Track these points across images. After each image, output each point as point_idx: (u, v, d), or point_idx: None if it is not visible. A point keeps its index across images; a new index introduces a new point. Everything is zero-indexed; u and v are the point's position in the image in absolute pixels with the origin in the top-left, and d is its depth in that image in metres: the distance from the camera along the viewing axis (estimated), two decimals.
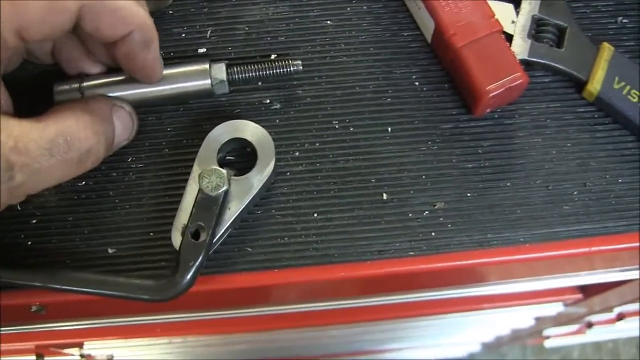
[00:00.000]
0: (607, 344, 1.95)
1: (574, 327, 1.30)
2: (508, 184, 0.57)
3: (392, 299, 0.74)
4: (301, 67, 0.56)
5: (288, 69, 0.56)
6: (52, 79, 0.55)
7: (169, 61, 0.56)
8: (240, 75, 0.56)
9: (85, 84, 0.54)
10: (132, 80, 0.54)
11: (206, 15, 0.59)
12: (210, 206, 0.52)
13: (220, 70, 0.55)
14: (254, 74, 0.56)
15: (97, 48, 0.54)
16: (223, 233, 0.53)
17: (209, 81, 0.55)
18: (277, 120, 0.58)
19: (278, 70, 0.56)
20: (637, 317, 1.14)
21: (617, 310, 1.08)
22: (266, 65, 0.56)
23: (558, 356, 1.96)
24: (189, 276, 0.51)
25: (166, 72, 0.55)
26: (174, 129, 0.57)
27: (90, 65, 0.55)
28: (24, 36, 0.46)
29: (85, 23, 0.48)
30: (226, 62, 0.56)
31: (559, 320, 1.17)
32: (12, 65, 0.52)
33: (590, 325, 1.23)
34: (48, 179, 0.47)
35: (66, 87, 0.54)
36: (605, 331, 1.28)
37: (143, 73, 0.53)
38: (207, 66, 0.55)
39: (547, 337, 1.45)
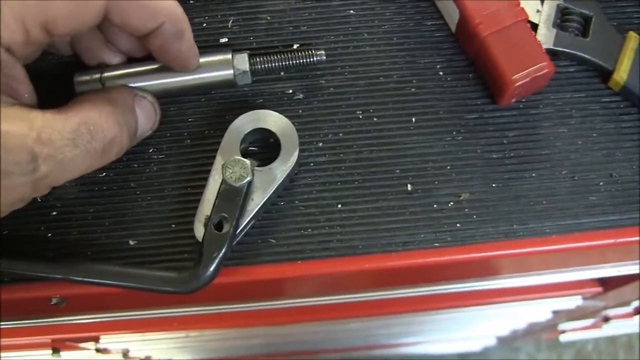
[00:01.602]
0: (622, 338, 1.95)
1: (590, 321, 1.29)
2: (533, 174, 0.56)
3: (413, 292, 0.74)
4: (324, 57, 0.56)
5: (311, 59, 0.55)
6: (72, 69, 0.55)
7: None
8: (263, 66, 0.55)
9: (106, 74, 0.54)
10: (153, 70, 0.54)
11: (228, 4, 0.59)
12: (233, 197, 0.51)
13: (243, 61, 0.55)
14: (277, 64, 0.55)
15: (117, 38, 0.53)
16: (246, 224, 0.53)
17: (231, 71, 0.55)
18: (300, 111, 0.57)
19: (301, 61, 0.56)
20: None
21: (634, 304, 1.07)
22: (289, 55, 0.56)
23: (572, 349, 1.95)
24: (212, 268, 0.51)
25: None
26: (195, 120, 0.57)
27: (111, 55, 0.54)
28: (50, 31, 0.45)
29: (114, 17, 0.47)
30: (248, 52, 0.56)
31: (576, 314, 1.16)
32: (33, 57, 0.52)
33: (607, 319, 1.22)
34: (72, 169, 0.47)
35: (87, 77, 0.54)
36: (622, 325, 1.27)
37: (178, 63, 0.53)
38: (229, 56, 0.55)
39: (563, 332, 1.44)
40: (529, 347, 1.95)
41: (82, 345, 0.95)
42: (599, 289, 0.89)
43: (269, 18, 0.59)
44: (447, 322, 1.16)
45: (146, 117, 0.53)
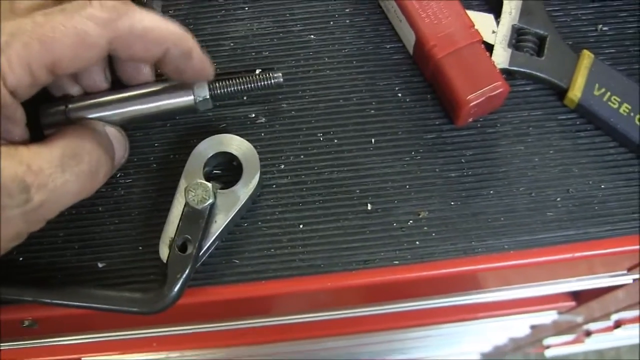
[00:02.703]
0: (610, 352, 1.95)
1: (572, 336, 1.30)
2: (491, 192, 0.57)
3: (382, 309, 0.75)
4: (282, 80, 0.57)
5: (269, 82, 0.57)
6: (36, 100, 0.56)
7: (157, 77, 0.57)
8: (223, 90, 0.56)
9: (71, 105, 0.55)
10: (116, 100, 0.55)
11: (192, 31, 0.59)
12: (196, 219, 0.53)
13: (202, 89, 0.56)
14: (236, 87, 0.57)
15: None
16: (210, 245, 0.54)
17: (192, 97, 0.56)
18: (263, 134, 0.58)
19: (259, 84, 0.57)
20: (637, 325, 1.14)
21: (614, 317, 1.08)
22: (247, 79, 0.57)
23: None
24: (176, 288, 0.52)
25: (150, 89, 0.55)
26: (161, 145, 0.58)
27: (72, 86, 0.55)
28: (55, 72, 0.47)
29: (119, 52, 0.49)
30: (208, 83, 0.57)
31: (557, 329, 1.17)
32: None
33: (588, 333, 1.23)
34: (65, 196, 0.48)
35: (52, 109, 0.55)
36: (605, 339, 1.28)
37: (196, 78, 0.55)
38: (190, 88, 0.56)
39: (547, 347, 1.45)
40: None
41: None
42: (573, 303, 0.90)
43: (232, 44, 0.61)
44: (424, 339, 1.17)
45: (119, 145, 0.54)
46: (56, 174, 0.46)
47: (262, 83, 0.57)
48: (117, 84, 0.56)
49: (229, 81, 0.57)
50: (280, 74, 0.57)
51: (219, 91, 0.56)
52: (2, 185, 0.43)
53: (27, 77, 0.45)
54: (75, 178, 0.48)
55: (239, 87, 0.57)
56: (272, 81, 0.57)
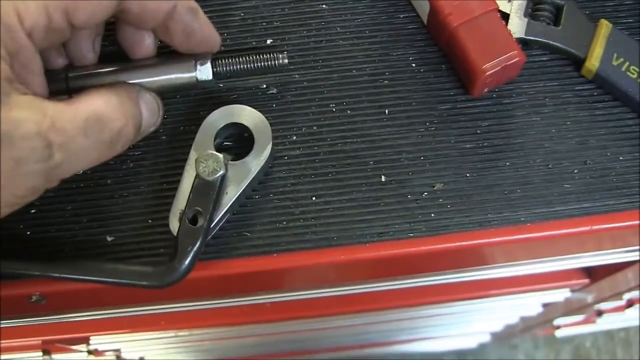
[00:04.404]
0: (619, 333, 1.95)
1: (583, 316, 1.29)
2: (507, 163, 0.56)
3: (396, 284, 0.74)
4: (287, 61, 0.56)
5: (274, 62, 0.56)
6: None
7: (163, 49, 0.56)
8: (226, 68, 0.55)
9: (71, 74, 0.54)
10: (117, 71, 0.54)
11: (201, 2, 0.59)
12: (207, 191, 0.52)
13: (206, 66, 0.54)
14: (239, 66, 0.55)
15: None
16: (221, 218, 0.53)
17: (194, 74, 0.54)
18: (274, 105, 0.57)
19: (264, 64, 0.56)
20: None
21: (626, 297, 1.08)
22: (252, 57, 0.55)
23: (570, 347, 1.95)
24: (187, 262, 0.51)
25: (152, 62, 0.54)
26: (171, 116, 0.57)
27: (57, 57, 0.54)
28: (70, 17, 0.46)
29: (132, 4, 0.48)
30: (211, 60, 0.55)
31: (568, 308, 1.17)
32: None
33: (600, 313, 1.23)
34: (83, 160, 0.47)
35: (52, 77, 0.53)
36: (616, 319, 1.28)
37: (205, 44, 0.53)
38: (191, 64, 0.54)
39: (558, 327, 1.44)
40: (526, 345, 1.95)
41: (73, 347, 0.95)
42: (586, 281, 0.89)
43: (242, 14, 0.59)
44: (436, 318, 1.16)
45: (150, 112, 0.53)
46: (78, 136, 0.45)
47: (267, 63, 0.56)
48: (114, 57, 0.55)
49: (232, 59, 0.55)
50: (286, 54, 0.56)
51: (222, 69, 0.55)
52: (22, 136, 0.42)
53: (44, 18, 0.45)
54: (95, 145, 0.47)
55: (242, 66, 0.55)
56: (277, 62, 0.56)
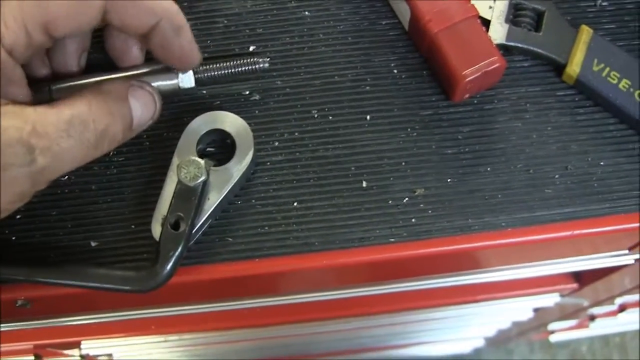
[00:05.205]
0: (615, 338, 1.95)
1: (577, 321, 1.29)
2: (488, 168, 0.57)
3: (379, 289, 0.74)
4: (267, 65, 0.57)
5: (255, 66, 0.56)
6: None
7: (147, 56, 0.56)
8: (207, 74, 0.56)
9: (54, 87, 0.54)
10: (101, 81, 0.54)
11: (186, 9, 0.59)
12: (189, 196, 0.52)
13: (187, 73, 0.55)
14: (221, 72, 0.56)
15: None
16: (203, 223, 0.54)
17: (176, 82, 0.55)
18: (257, 111, 0.58)
19: (245, 68, 0.56)
20: (638, 309, 1.14)
21: (618, 301, 1.08)
22: (233, 63, 0.56)
23: (566, 351, 1.95)
24: (169, 266, 0.51)
25: (135, 72, 0.55)
26: (154, 122, 0.57)
27: (41, 68, 0.55)
28: (51, 32, 0.46)
29: (112, 17, 0.49)
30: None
31: (561, 312, 1.17)
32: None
33: (592, 318, 1.23)
34: (69, 160, 0.47)
35: (35, 89, 0.54)
36: (609, 324, 1.28)
37: (181, 61, 0.54)
38: (174, 72, 0.55)
39: (552, 332, 1.44)
40: (522, 349, 1.95)
41: (65, 352, 0.96)
42: (575, 285, 0.89)
43: (225, 22, 0.60)
44: (427, 323, 1.17)
45: (144, 107, 0.53)
46: (61, 138, 0.46)
47: (249, 67, 0.56)
48: (100, 68, 0.56)
49: (214, 64, 0.56)
50: (267, 59, 0.57)
51: (204, 75, 0.56)
52: (6, 143, 0.43)
53: (23, 36, 0.45)
54: (79, 145, 0.47)
55: (224, 72, 0.56)
56: (258, 66, 0.56)
